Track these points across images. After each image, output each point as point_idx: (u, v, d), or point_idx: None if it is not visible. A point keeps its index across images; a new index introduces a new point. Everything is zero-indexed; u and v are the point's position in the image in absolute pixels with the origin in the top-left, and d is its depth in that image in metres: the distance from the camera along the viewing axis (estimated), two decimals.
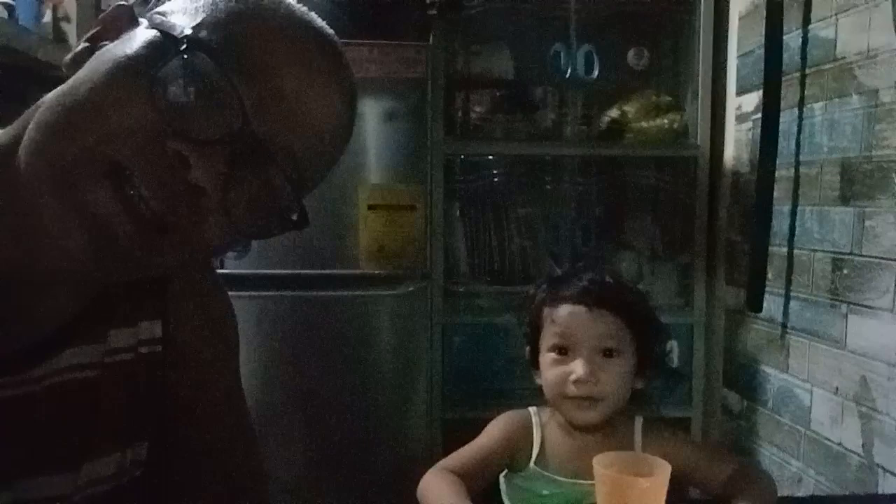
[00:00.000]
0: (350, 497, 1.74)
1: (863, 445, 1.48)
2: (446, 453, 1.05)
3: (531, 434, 1.06)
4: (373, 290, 1.86)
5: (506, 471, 1.09)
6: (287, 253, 1.81)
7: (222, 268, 1.72)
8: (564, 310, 1.02)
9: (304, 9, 0.56)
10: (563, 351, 1.01)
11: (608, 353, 1.00)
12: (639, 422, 1.06)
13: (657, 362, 1.07)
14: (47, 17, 1.72)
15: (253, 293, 1.80)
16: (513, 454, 1.05)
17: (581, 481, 0.98)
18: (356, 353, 1.88)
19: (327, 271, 1.86)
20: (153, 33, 0.50)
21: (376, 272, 1.86)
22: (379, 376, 1.90)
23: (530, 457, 1.05)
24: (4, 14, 1.55)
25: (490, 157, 2.25)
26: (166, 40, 0.49)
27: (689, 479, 1.01)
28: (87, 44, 0.54)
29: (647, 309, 1.08)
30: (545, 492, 1.03)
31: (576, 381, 0.99)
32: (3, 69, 1.48)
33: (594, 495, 0.82)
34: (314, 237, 1.81)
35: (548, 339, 1.03)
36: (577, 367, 0.99)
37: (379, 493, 1.77)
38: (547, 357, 1.03)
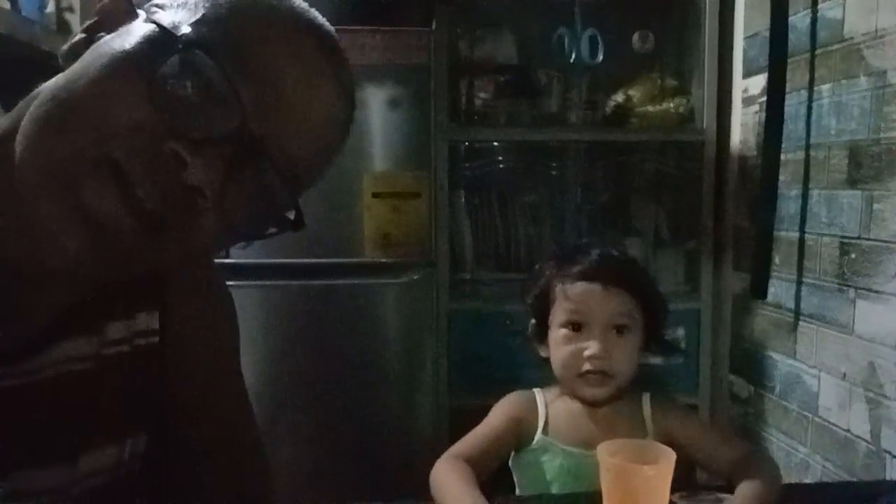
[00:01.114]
0: (357, 485, 1.75)
1: (870, 431, 1.48)
2: (453, 441, 1.06)
3: (536, 411, 1.07)
4: (378, 279, 1.86)
5: (513, 454, 1.09)
6: (292, 242, 1.79)
7: (228, 258, 1.73)
8: (579, 287, 1.03)
9: (305, 5, 0.55)
10: (577, 327, 1.02)
11: (620, 329, 1.02)
12: (646, 397, 1.07)
13: (661, 338, 1.09)
14: (51, 7, 1.71)
15: (258, 282, 1.80)
16: (520, 432, 1.06)
17: (590, 452, 0.96)
18: (362, 342, 1.88)
19: (332, 260, 1.85)
20: (151, 28, 0.49)
21: (381, 260, 1.86)
22: (385, 365, 1.90)
23: (537, 430, 1.06)
24: (7, 4, 1.55)
25: (495, 144, 2.24)
26: (165, 36, 0.48)
27: (693, 457, 1.02)
28: (84, 34, 0.53)
29: (653, 285, 1.10)
30: (555, 462, 1.03)
31: (590, 358, 1.00)
32: (6, 60, 1.48)
33: None
34: (319, 226, 1.80)
35: (560, 315, 1.04)
36: (592, 345, 1.00)
37: (386, 481, 1.77)
38: (559, 333, 1.04)
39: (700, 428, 1.07)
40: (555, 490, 1.03)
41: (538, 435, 1.05)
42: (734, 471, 0.95)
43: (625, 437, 0.98)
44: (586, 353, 1.01)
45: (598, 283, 1.03)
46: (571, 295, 1.03)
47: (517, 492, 1.10)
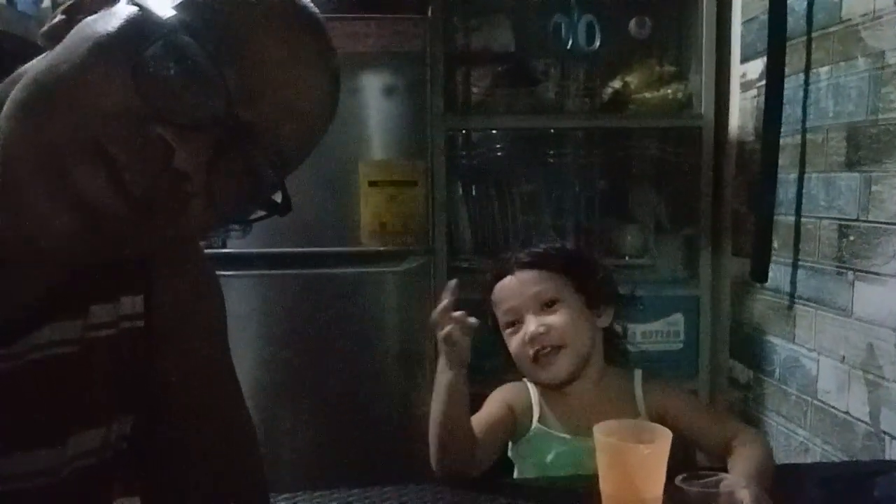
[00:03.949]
0: (355, 474, 1.75)
1: (869, 413, 1.48)
2: None
3: (529, 399, 1.09)
4: (375, 267, 1.86)
5: (511, 445, 1.10)
6: (289, 231, 1.80)
7: (225, 247, 1.72)
8: (497, 288, 1.09)
9: None
10: (513, 323, 1.07)
11: (548, 304, 1.05)
12: (638, 374, 1.09)
13: (609, 294, 1.11)
14: (46, 2, 1.71)
15: (255, 272, 1.80)
16: (515, 419, 1.08)
17: (584, 438, 0.99)
18: (359, 331, 1.88)
19: (329, 249, 1.85)
20: (134, 10, 0.48)
21: (378, 249, 1.86)
22: (382, 353, 1.90)
23: (532, 420, 1.07)
24: (3, 0, 1.54)
25: (492, 132, 2.23)
26: (148, 19, 0.48)
27: (686, 435, 1.02)
28: (64, 15, 0.52)
29: (573, 253, 1.14)
30: (553, 451, 1.05)
31: (531, 340, 1.04)
32: (2, 55, 1.47)
33: None
34: (315, 215, 1.80)
35: (500, 319, 1.09)
36: (527, 327, 1.05)
37: (384, 470, 1.78)
38: (505, 334, 1.09)
39: (692, 406, 1.08)
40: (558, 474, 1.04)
41: (534, 424, 1.07)
42: (727, 449, 0.96)
43: (618, 417, 1.00)
44: (525, 337, 1.04)
45: (506, 276, 1.08)
46: (496, 298, 1.09)
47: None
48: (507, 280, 1.08)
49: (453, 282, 0.99)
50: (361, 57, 1.80)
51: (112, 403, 0.62)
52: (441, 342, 0.98)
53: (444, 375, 1.00)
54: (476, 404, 1.08)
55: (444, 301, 0.97)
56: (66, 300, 0.58)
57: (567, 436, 1.04)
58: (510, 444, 1.11)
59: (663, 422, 0.99)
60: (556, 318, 1.04)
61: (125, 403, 0.64)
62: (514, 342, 1.06)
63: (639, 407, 1.06)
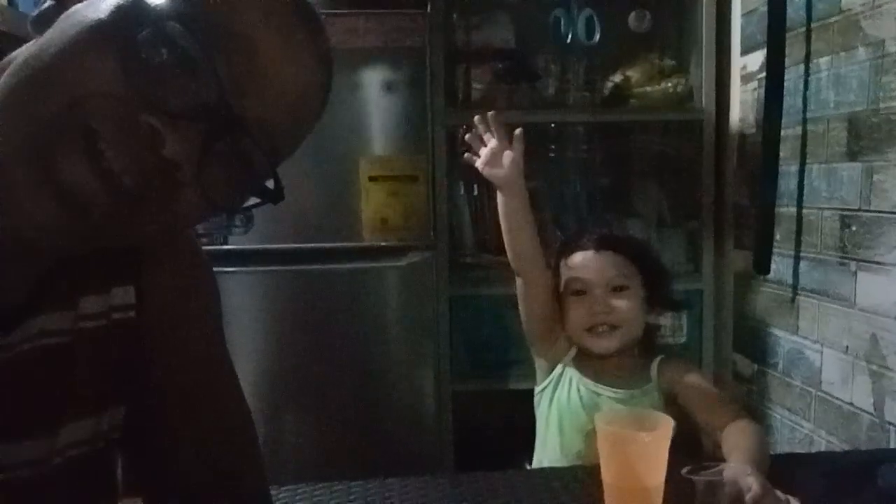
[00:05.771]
0: (357, 468, 1.75)
1: (874, 404, 1.47)
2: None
3: (569, 343, 1.23)
4: (377, 262, 1.86)
5: (538, 389, 1.24)
6: (290, 227, 1.80)
7: (226, 244, 1.73)
8: (576, 256, 1.22)
9: None
10: (581, 292, 1.19)
11: (618, 288, 1.18)
12: (659, 358, 1.20)
13: (664, 298, 1.24)
14: (47, 3, 1.71)
15: (256, 268, 1.80)
16: (554, 327, 1.23)
17: (601, 388, 1.17)
18: (361, 326, 1.88)
19: (330, 244, 1.85)
20: None
21: (380, 244, 1.86)
22: (386, 349, 1.90)
23: (565, 356, 1.22)
24: (4, 1, 1.55)
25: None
26: (138, 6, 0.47)
27: (692, 413, 1.12)
28: (53, 1, 0.52)
29: (649, 251, 1.28)
30: (572, 391, 1.19)
31: (596, 314, 1.17)
32: (3, 56, 1.47)
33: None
34: (316, 210, 1.81)
35: (567, 284, 1.21)
36: (594, 302, 1.17)
37: (389, 465, 1.78)
38: (569, 300, 1.21)
39: (700, 385, 1.16)
40: (567, 418, 1.19)
41: (566, 358, 1.22)
42: (724, 436, 0.98)
43: (631, 381, 1.17)
44: (591, 310, 1.17)
45: (590, 249, 1.20)
46: (571, 265, 1.22)
47: (537, 429, 1.25)
48: (588, 254, 1.20)
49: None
50: (362, 53, 1.81)
51: (104, 394, 0.62)
52: (487, 174, 1.20)
53: (500, 203, 1.20)
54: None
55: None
56: (57, 292, 0.57)
57: (588, 381, 1.19)
58: (537, 388, 1.24)
59: (673, 397, 1.14)
60: (623, 303, 1.17)
61: (117, 394, 0.64)
62: (576, 309, 1.19)
63: (652, 377, 1.17)
